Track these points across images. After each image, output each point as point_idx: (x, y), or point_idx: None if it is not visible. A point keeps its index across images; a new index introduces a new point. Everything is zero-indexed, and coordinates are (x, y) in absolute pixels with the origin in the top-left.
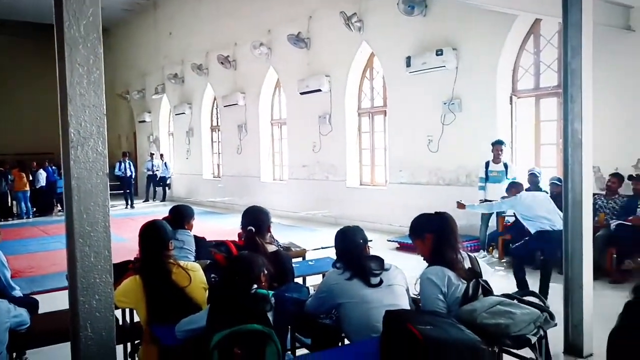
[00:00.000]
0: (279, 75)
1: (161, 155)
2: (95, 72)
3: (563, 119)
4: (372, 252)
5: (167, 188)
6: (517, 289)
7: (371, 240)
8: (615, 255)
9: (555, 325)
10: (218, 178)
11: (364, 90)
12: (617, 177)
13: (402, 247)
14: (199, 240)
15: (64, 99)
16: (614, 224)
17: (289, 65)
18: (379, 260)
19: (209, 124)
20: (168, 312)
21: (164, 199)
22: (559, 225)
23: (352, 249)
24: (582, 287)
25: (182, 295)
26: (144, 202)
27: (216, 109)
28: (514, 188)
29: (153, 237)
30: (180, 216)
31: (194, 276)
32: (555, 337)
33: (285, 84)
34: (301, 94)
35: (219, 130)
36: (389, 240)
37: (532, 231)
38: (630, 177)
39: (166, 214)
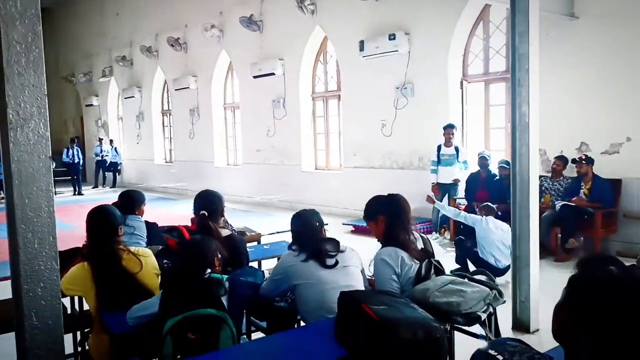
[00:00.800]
0: (231, 59)
1: (110, 141)
2: (35, 50)
3: (511, 102)
4: (328, 235)
5: (117, 174)
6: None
7: (327, 224)
8: (559, 235)
9: (504, 302)
10: (170, 163)
11: (318, 75)
12: (561, 160)
13: (357, 230)
14: (150, 226)
15: (0, 78)
16: (558, 204)
17: (241, 49)
18: (335, 242)
19: (159, 108)
20: (118, 299)
21: (114, 185)
22: (502, 263)
23: (308, 231)
24: (529, 265)
25: (133, 282)
26: (93, 188)
27: (167, 92)
28: (485, 209)
29: (101, 222)
30: (131, 201)
31: (146, 262)
32: (505, 314)
33: (238, 67)
34: (254, 77)
35: (170, 115)
36: (344, 224)
37: (479, 254)
38: (573, 161)
39: (116, 200)
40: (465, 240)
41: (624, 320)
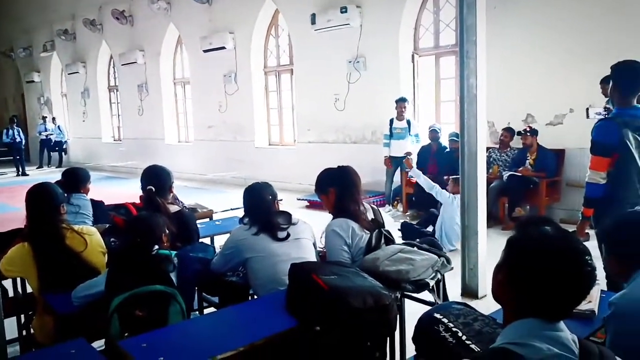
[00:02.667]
0: (180, 32)
1: (53, 119)
2: None
3: (459, 74)
4: (282, 209)
5: (63, 153)
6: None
7: (281, 200)
8: (506, 205)
9: (452, 269)
10: (119, 141)
11: (270, 48)
12: (508, 132)
13: (312, 205)
14: (96, 204)
15: None
16: (506, 175)
17: (190, 22)
18: (287, 215)
19: (106, 83)
20: (62, 278)
21: (60, 165)
22: (453, 245)
23: (259, 204)
24: (477, 234)
25: (77, 261)
26: (37, 168)
27: (113, 67)
28: (457, 185)
29: (40, 200)
30: (75, 179)
31: (90, 240)
32: (455, 282)
33: (187, 41)
34: (204, 51)
35: (117, 91)
36: (299, 199)
37: (437, 232)
38: (519, 133)
39: (60, 179)
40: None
41: (554, 278)
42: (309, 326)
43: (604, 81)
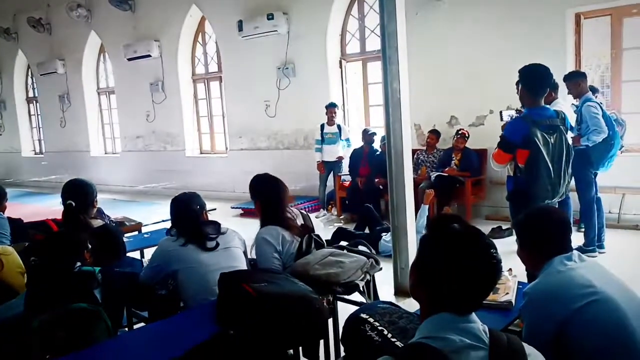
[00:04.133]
0: (102, 40)
1: None
2: None
3: (383, 79)
4: (216, 219)
5: None
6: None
7: (214, 209)
8: (435, 204)
9: (381, 269)
10: (40, 155)
11: (198, 56)
12: (434, 134)
13: (246, 213)
14: (14, 222)
15: None
16: (433, 175)
17: (113, 30)
18: (216, 225)
19: (23, 95)
20: None
21: None
22: None
23: (186, 215)
24: (407, 234)
25: None
26: None
27: (32, 77)
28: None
29: None
30: None
31: (7, 260)
32: (388, 282)
33: (110, 49)
34: (129, 60)
35: (36, 102)
36: (233, 207)
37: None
38: (457, 132)
39: None
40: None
41: (461, 273)
42: (240, 335)
43: (518, 83)
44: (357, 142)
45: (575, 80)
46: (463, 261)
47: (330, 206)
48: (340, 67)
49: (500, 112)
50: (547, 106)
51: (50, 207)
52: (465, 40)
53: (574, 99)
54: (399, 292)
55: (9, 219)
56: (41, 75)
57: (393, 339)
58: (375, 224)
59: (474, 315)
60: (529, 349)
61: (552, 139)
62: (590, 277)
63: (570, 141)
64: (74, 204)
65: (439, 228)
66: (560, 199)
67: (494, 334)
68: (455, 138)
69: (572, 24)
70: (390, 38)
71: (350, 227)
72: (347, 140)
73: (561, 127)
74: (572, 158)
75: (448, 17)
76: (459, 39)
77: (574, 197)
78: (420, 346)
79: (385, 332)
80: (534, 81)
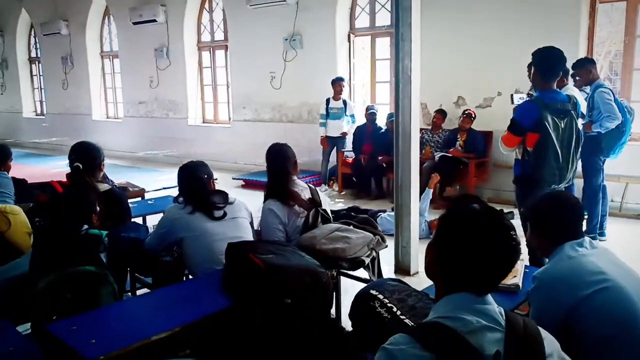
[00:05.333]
0: (107, 3)
1: None
2: None
3: (395, 55)
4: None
5: None
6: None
7: (216, 179)
8: (438, 184)
9: (386, 246)
10: (41, 116)
11: (204, 23)
12: (440, 114)
13: (247, 185)
14: (18, 183)
15: None
16: (437, 155)
17: None
18: (223, 194)
19: (26, 54)
20: None
21: None
22: None
23: (194, 183)
24: (410, 213)
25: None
26: None
27: (34, 37)
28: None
29: None
30: None
31: (15, 220)
32: (388, 259)
33: (115, 12)
34: (134, 24)
35: (39, 63)
36: (234, 178)
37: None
38: (464, 112)
39: None
40: None
41: (481, 253)
42: (246, 305)
43: (530, 66)
44: (362, 119)
45: (587, 66)
46: (482, 241)
47: (331, 182)
48: (349, 41)
49: (511, 95)
50: (559, 90)
51: (50, 170)
52: (477, 21)
53: (585, 85)
54: (399, 270)
55: (14, 179)
56: (44, 35)
57: (402, 317)
58: None
59: (489, 297)
60: (544, 333)
61: (562, 124)
62: (600, 264)
63: (580, 127)
64: (81, 166)
65: (458, 208)
66: (566, 185)
67: (510, 316)
68: (461, 118)
69: (587, 8)
70: (405, 14)
71: (352, 203)
72: (352, 116)
73: (572, 112)
74: (581, 144)
75: None
76: (471, 19)
77: (577, 184)
78: (436, 325)
79: (395, 309)
80: (548, 64)
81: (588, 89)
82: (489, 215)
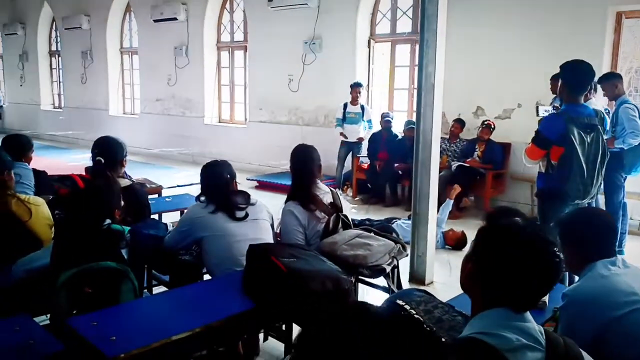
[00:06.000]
0: None
1: None
2: None
3: (418, 62)
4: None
5: None
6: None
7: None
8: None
9: (407, 255)
10: (59, 109)
11: (224, 23)
12: (459, 123)
13: (262, 186)
14: (38, 174)
15: None
16: (454, 165)
17: None
18: (245, 195)
19: (46, 48)
20: (3, 248)
21: None
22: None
23: (217, 182)
24: (428, 222)
25: (20, 230)
26: None
27: (56, 31)
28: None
29: None
30: (17, 147)
31: (36, 211)
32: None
33: (136, 9)
34: (155, 21)
35: (59, 56)
36: (249, 179)
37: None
38: (483, 122)
39: None
40: None
41: (524, 269)
42: (267, 308)
43: (554, 78)
44: (378, 125)
45: (612, 81)
46: (524, 257)
47: (346, 187)
48: (369, 47)
49: (537, 107)
50: (586, 104)
51: (67, 163)
52: (501, 30)
53: (610, 100)
54: (414, 279)
55: (34, 170)
56: (65, 29)
57: (428, 329)
58: None
59: (529, 314)
60: (585, 355)
61: (588, 138)
62: (634, 285)
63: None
64: (103, 160)
65: (499, 220)
66: (590, 200)
67: (550, 335)
68: (480, 128)
69: (613, 23)
70: (430, 20)
71: (366, 209)
72: (369, 121)
73: (599, 127)
74: (607, 159)
75: (486, 3)
76: (494, 29)
77: (600, 201)
78: (475, 342)
79: (422, 320)
80: (577, 78)
81: (597, 103)
82: (531, 230)
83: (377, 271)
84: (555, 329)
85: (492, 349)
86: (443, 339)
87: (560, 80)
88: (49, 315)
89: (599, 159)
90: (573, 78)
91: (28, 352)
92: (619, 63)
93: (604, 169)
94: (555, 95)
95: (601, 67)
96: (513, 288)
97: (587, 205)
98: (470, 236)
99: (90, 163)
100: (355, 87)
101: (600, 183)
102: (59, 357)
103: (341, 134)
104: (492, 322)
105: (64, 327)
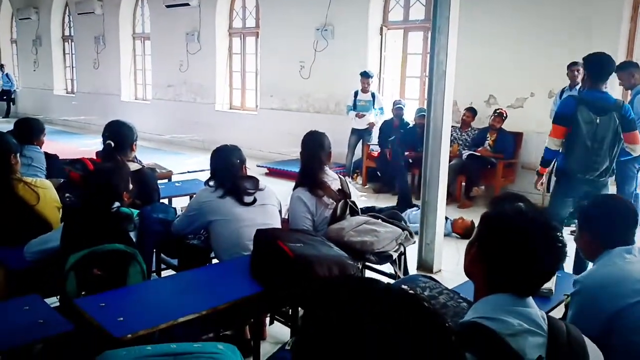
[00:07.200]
0: None
1: (1, 66)
2: None
3: (430, 49)
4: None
5: (11, 103)
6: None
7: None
8: (464, 183)
9: (414, 242)
10: (72, 94)
11: (236, 9)
12: (471, 112)
13: (271, 173)
14: (50, 158)
15: None
16: (465, 154)
17: None
18: (254, 180)
19: (60, 32)
20: (12, 232)
21: (7, 115)
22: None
23: (226, 167)
24: (437, 210)
25: (30, 214)
26: None
27: (69, 16)
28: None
29: None
30: (29, 130)
31: (44, 194)
32: (410, 256)
33: None
34: (167, 7)
35: (72, 41)
36: (259, 166)
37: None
38: (495, 111)
39: (12, 129)
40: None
41: (527, 254)
42: (274, 292)
43: (572, 65)
44: (390, 114)
45: (629, 70)
46: (528, 242)
47: (355, 175)
48: (381, 34)
49: (562, 92)
50: (606, 91)
51: (79, 148)
52: (514, 18)
53: (626, 89)
54: (422, 267)
55: (45, 154)
56: (79, 14)
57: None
58: (406, 203)
59: (531, 300)
60: (588, 342)
61: (598, 120)
62: None
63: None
64: (113, 144)
65: (504, 206)
66: (597, 178)
67: (553, 321)
68: (492, 117)
69: (630, 11)
70: (442, 7)
71: (375, 197)
72: (381, 109)
73: (614, 112)
74: (618, 143)
75: None
76: (506, 16)
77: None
78: (476, 326)
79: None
80: (599, 68)
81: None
82: (535, 216)
83: (384, 257)
84: (565, 315)
85: (492, 333)
86: (447, 325)
87: (579, 69)
88: (59, 297)
89: (608, 141)
90: (596, 68)
91: (37, 331)
92: (635, 52)
93: (613, 152)
94: (570, 83)
95: (617, 56)
96: (516, 273)
97: (596, 181)
98: None
99: (101, 148)
100: (364, 77)
101: (609, 164)
102: (68, 337)
103: (357, 115)
104: (494, 307)
105: (73, 308)
